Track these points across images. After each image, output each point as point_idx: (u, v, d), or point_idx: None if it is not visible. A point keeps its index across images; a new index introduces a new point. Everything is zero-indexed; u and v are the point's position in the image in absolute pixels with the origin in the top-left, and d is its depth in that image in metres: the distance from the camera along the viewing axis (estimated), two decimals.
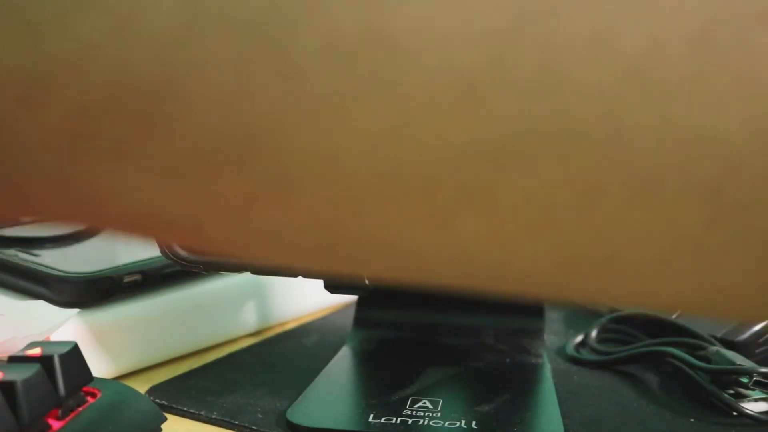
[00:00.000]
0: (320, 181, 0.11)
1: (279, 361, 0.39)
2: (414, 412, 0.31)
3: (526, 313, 0.39)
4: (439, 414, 0.31)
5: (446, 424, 0.30)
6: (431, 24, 0.10)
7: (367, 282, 0.35)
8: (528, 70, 0.10)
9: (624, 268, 0.11)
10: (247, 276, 0.43)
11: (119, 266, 0.38)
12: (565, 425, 0.30)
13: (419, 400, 0.32)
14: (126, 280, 0.38)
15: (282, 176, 0.11)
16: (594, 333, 0.41)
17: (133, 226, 0.13)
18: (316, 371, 0.36)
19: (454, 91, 0.10)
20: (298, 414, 0.31)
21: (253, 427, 0.31)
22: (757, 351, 0.36)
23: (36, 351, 0.25)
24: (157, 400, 0.33)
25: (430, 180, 0.11)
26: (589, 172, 0.11)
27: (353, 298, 0.42)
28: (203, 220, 0.12)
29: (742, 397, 0.32)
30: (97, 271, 0.37)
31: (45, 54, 0.11)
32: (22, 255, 0.40)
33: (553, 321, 0.46)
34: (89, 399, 0.27)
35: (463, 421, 0.30)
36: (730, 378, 0.33)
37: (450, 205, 0.11)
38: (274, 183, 0.11)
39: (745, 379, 0.32)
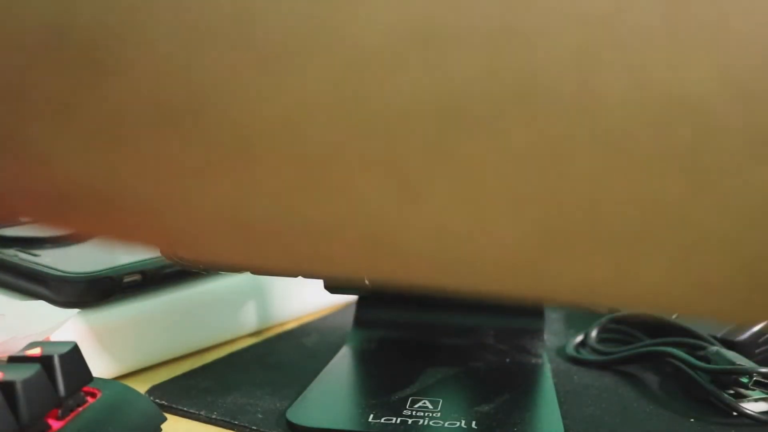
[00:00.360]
0: (277, 147, 0.10)
1: (279, 361, 0.39)
2: (414, 412, 0.31)
3: (526, 313, 0.39)
4: (439, 414, 0.31)
5: (446, 424, 0.30)
6: None
7: (367, 282, 0.35)
8: (492, 22, 0.10)
9: (599, 248, 0.11)
10: (247, 276, 0.43)
11: (119, 266, 0.38)
12: (565, 425, 0.30)
13: (419, 400, 0.32)
14: (126, 280, 0.38)
15: (236, 141, 0.10)
16: (594, 333, 0.41)
17: (78, 202, 0.12)
18: (316, 371, 0.36)
19: (412, 42, 0.10)
20: (298, 414, 0.31)
21: (253, 427, 0.31)
22: (757, 351, 0.36)
23: (36, 351, 0.25)
24: (157, 400, 0.33)
25: (392, 141, 0.10)
26: (557, 134, 0.10)
27: (353, 298, 0.42)
28: (152, 192, 0.11)
29: (742, 397, 0.32)
30: (97, 271, 0.37)
31: None
32: (22, 255, 0.40)
33: (553, 321, 0.46)
34: (89, 399, 0.27)
35: (463, 421, 0.30)
36: (730, 378, 0.33)
37: (417, 173, 0.11)
38: (227, 149, 0.11)
39: (745, 379, 0.32)
